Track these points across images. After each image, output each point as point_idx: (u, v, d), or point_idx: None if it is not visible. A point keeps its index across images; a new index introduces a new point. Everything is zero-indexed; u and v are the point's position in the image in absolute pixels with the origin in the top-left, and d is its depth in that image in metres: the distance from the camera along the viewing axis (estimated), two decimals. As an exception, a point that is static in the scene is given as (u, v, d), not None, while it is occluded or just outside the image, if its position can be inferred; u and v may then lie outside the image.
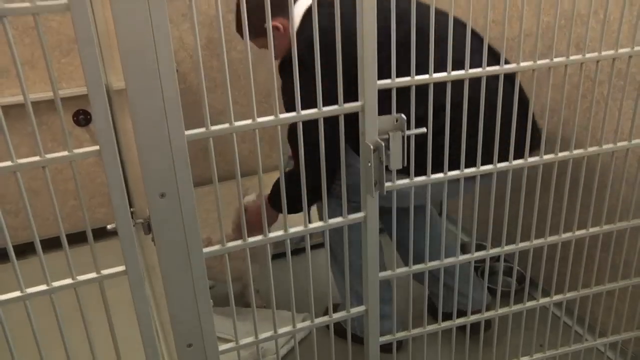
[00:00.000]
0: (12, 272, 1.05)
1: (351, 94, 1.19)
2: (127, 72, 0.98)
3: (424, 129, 1.25)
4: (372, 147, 1.19)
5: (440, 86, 1.27)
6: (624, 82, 1.49)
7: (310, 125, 1.16)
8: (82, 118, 2.57)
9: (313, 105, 1.16)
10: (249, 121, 1.12)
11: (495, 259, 2.32)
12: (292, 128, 1.73)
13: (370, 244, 1.33)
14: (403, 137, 1.22)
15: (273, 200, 1.98)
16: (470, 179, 1.41)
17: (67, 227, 1.08)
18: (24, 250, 2.27)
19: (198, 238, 1.14)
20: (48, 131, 2.55)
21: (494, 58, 1.43)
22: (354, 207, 1.32)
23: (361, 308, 1.40)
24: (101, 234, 1.08)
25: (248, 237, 1.23)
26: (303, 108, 1.14)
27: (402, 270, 1.45)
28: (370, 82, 1.17)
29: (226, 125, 1.11)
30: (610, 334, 1.88)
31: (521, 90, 1.63)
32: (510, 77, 1.38)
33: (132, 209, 1.13)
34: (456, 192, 1.43)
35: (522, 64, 1.32)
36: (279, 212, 1.95)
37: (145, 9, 0.95)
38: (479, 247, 1.61)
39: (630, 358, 2.03)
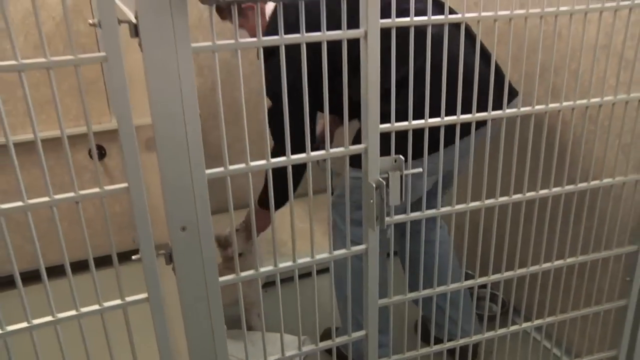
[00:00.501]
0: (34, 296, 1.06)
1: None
2: (156, 117, 1.01)
3: (420, 169, 1.28)
4: (374, 185, 1.22)
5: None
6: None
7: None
8: (97, 153, 2.59)
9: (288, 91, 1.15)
10: (263, 162, 1.15)
11: (482, 286, 2.34)
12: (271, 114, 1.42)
13: (371, 275, 1.35)
14: (401, 176, 1.25)
15: (261, 199, 1.99)
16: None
17: (81, 254, 1.10)
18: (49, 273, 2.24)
19: (214, 268, 1.16)
20: (66, 165, 2.51)
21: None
22: (356, 222, 1.35)
23: (361, 332, 1.41)
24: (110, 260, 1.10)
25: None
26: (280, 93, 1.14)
27: (398, 298, 1.47)
28: (373, 127, 1.21)
29: (242, 165, 1.14)
30: (584, 355, 1.90)
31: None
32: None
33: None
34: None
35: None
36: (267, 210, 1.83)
37: (174, 61, 0.98)
38: (467, 276, 1.63)
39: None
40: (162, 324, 1.15)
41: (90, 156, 2.60)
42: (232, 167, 1.13)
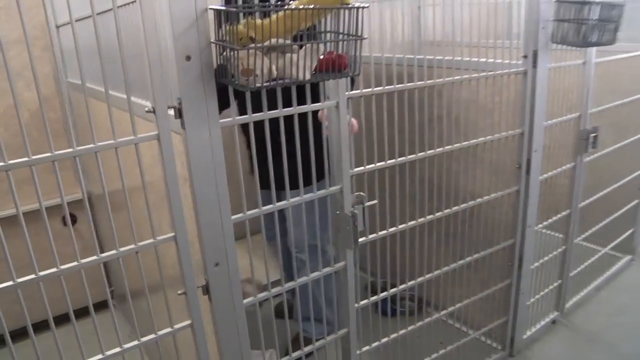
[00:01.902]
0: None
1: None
2: (195, 178, 1.06)
3: (375, 201, 1.41)
4: (350, 215, 1.33)
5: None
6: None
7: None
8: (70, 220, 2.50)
9: None
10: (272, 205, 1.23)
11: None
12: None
13: (349, 287, 1.44)
14: (363, 208, 1.37)
15: None
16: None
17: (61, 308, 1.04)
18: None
19: (240, 294, 1.20)
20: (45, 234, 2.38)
21: None
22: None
23: (345, 330, 1.49)
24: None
25: None
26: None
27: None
28: (346, 170, 1.32)
29: (256, 210, 1.20)
30: (486, 324, 2.11)
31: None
32: None
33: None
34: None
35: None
36: None
37: (207, 134, 1.05)
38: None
39: (494, 339, 2.23)
40: (203, 345, 1.17)
41: (64, 223, 2.48)
42: (249, 212, 1.19)
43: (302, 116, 1.24)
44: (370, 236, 1.50)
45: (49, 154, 0.92)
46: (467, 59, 1.93)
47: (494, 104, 1.97)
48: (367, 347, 1.62)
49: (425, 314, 2.14)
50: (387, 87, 1.43)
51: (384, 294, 1.66)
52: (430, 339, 1.92)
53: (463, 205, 1.80)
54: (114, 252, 1.03)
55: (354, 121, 1.48)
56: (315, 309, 2.04)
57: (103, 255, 1.02)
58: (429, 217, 1.71)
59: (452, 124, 1.74)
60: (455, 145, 1.70)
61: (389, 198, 1.50)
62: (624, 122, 2.54)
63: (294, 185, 1.25)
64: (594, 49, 2.12)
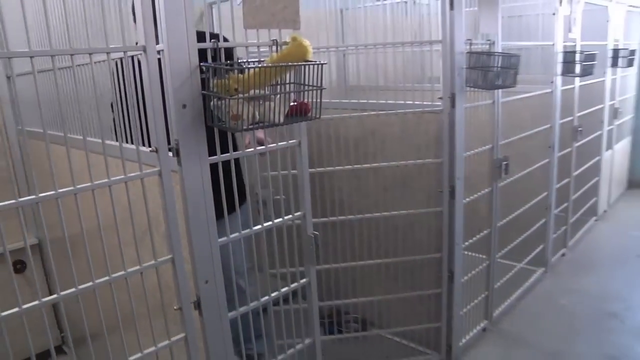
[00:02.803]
0: None
1: None
2: (190, 206, 1.26)
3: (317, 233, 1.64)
4: (313, 236, 1.57)
5: None
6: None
7: None
8: (20, 267, 2.52)
9: None
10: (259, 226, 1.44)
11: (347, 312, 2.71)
12: None
13: (314, 300, 1.67)
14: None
15: None
16: None
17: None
18: None
19: (225, 307, 1.39)
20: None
21: None
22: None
23: (310, 340, 1.70)
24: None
25: None
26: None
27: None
28: (307, 198, 1.57)
29: (237, 234, 1.42)
30: (422, 331, 2.38)
31: None
32: None
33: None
34: None
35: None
36: None
37: (199, 170, 1.26)
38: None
39: (434, 348, 2.51)
40: (195, 356, 1.35)
41: (15, 270, 2.51)
42: (232, 236, 1.40)
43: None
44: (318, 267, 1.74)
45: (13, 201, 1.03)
46: (393, 101, 2.30)
47: (420, 140, 2.31)
48: None
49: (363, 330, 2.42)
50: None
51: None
52: (375, 354, 2.16)
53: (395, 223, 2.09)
54: (72, 289, 1.14)
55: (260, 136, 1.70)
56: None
57: (45, 299, 1.11)
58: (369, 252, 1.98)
59: (385, 159, 2.05)
60: (382, 163, 2.00)
61: (331, 229, 1.76)
62: (528, 151, 2.99)
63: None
64: (500, 90, 2.54)
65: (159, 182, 1.23)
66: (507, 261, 2.95)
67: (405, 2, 2.42)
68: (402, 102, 2.32)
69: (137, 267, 1.23)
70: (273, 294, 1.57)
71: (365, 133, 2.34)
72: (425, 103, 2.29)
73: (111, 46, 1.13)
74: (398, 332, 2.55)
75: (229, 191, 1.37)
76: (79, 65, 1.43)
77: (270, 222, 1.51)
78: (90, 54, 1.11)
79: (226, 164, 1.39)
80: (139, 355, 1.26)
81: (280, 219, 1.54)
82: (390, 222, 2.36)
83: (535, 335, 2.64)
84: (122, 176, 1.17)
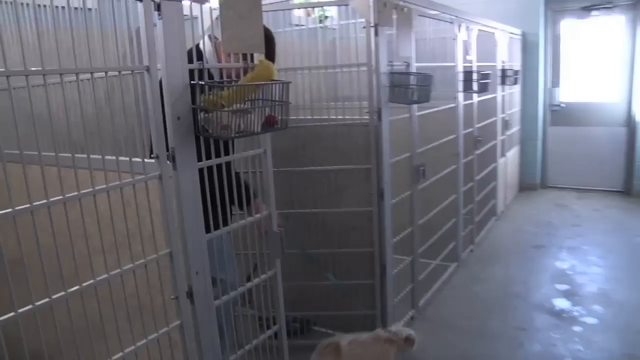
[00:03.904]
0: None
1: None
2: (185, 205, 1.48)
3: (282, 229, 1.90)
4: (278, 232, 1.83)
5: None
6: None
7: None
8: None
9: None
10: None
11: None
12: None
13: (279, 289, 1.91)
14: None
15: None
16: None
17: None
18: None
19: (212, 296, 1.60)
20: None
21: None
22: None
23: (277, 326, 1.94)
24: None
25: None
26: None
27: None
28: (273, 199, 1.83)
29: (219, 231, 1.64)
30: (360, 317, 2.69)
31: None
32: None
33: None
34: None
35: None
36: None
37: (190, 175, 1.48)
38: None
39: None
40: (191, 341, 1.54)
41: None
42: (216, 233, 1.62)
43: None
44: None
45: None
46: (326, 116, 2.62)
47: (350, 150, 2.65)
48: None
49: (306, 331, 2.73)
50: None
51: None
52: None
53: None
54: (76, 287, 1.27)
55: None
56: None
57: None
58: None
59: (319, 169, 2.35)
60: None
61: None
62: (440, 158, 3.45)
63: None
64: (416, 105, 2.95)
65: (148, 186, 1.42)
66: (426, 259, 3.36)
67: (320, 28, 2.78)
68: (334, 117, 2.65)
69: (142, 261, 1.41)
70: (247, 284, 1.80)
71: (304, 144, 2.63)
72: (355, 117, 2.64)
73: (117, 65, 1.34)
74: (337, 326, 2.84)
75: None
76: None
77: (244, 221, 1.75)
78: (105, 72, 1.31)
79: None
80: (143, 341, 1.43)
81: (252, 218, 1.78)
82: (328, 223, 2.67)
83: (455, 318, 3.05)
84: (118, 182, 1.35)
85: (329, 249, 2.68)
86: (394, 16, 2.55)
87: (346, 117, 2.66)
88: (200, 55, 1.79)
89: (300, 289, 2.61)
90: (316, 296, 2.72)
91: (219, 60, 1.91)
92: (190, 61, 1.49)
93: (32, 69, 1.14)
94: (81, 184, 1.26)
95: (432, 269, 3.39)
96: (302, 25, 3.23)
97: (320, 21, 4.20)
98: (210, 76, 1.68)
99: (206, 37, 1.93)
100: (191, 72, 1.49)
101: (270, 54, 1.93)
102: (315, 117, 2.70)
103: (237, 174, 1.83)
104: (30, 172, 1.20)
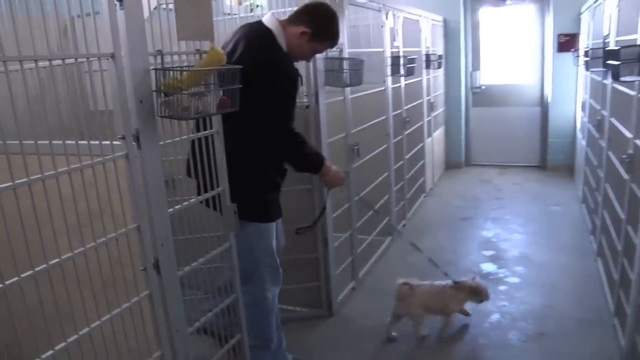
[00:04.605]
0: None
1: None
2: (149, 183, 1.62)
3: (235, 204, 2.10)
4: (231, 207, 2.00)
5: None
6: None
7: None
8: None
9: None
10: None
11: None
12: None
13: (234, 264, 2.09)
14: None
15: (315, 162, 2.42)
16: None
17: None
18: None
19: (176, 267, 1.76)
20: None
21: None
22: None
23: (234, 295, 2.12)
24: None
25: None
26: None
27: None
28: (225, 179, 2.00)
29: (179, 206, 1.79)
30: (308, 300, 2.92)
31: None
32: None
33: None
34: None
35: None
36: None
37: (156, 153, 1.63)
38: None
39: (319, 307, 3.05)
40: (159, 307, 1.69)
41: None
42: (177, 207, 1.78)
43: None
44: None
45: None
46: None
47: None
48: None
49: None
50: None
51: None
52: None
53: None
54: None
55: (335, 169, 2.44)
56: None
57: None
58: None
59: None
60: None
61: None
62: (372, 139, 3.72)
63: None
64: (349, 89, 3.19)
65: (116, 165, 1.56)
66: (364, 235, 3.64)
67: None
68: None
69: (113, 234, 1.55)
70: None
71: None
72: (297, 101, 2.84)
73: (85, 52, 1.46)
74: (283, 301, 3.04)
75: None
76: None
77: (201, 196, 1.91)
78: (75, 58, 1.43)
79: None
80: (117, 310, 1.57)
81: (208, 194, 1.94)
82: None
83: (391, 287, 3.34)
84: (90, 162, 1.48)
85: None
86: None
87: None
88: (273, 39, 2.18)
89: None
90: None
91: (288, 40, 2.21)
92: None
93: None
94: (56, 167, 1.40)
95: (369, 243, 3.67)
96: (235, 14, 3.37)
97: (252, 10, 4.35)
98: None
99: (270, 18, 2.24)
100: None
101: (333, 32, 2.27)
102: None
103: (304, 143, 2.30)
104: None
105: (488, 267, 3.64)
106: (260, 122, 2.15)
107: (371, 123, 3.63)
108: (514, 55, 6.38)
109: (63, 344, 1.40)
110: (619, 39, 3.01)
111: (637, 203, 2.42)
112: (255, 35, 2.21)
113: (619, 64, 2.51)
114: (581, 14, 5.32)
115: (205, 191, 1.91)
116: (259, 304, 2.32)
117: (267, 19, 2.24)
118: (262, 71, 2.08)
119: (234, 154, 2.02)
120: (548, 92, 6.12)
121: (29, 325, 1.32)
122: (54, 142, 1.41)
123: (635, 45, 2.41)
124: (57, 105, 1.50)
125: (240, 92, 1.77)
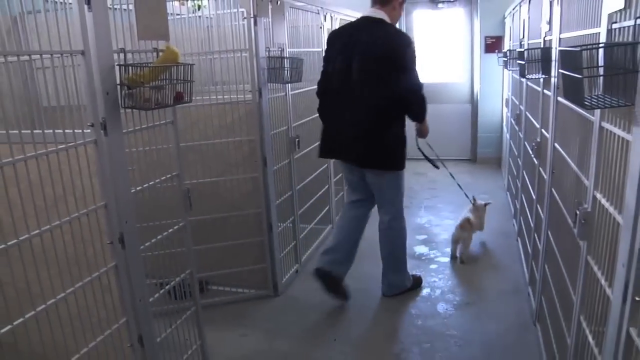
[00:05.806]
0: None
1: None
2: (113, 167, 1.89)
3: (189, 188, 2.38)
4: (186, 190, 2.27)
5: None
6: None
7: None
8: None
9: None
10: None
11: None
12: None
13: (189, 242, 2.36)
14: (188, 189, 2.33)
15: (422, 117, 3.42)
16: None
17: None
18: None
19: (139, 242, 2.02)
20: None
21: None
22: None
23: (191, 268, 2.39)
24: None
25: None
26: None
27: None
28: (180, 162, 2.27)
29: (140, 188, 2.06)
30: (254, 282, 3.21)
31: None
32: None
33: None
34: None
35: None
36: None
37: (121, 139, 1.90)
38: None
39: (265, 289, 3.36)
40: (125, 276, 1.95)
41: None
42: (139, 188, 2.04)
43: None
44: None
45: None
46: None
47: (235, 125, 3.14)
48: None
49: (206, 291, 3.19)
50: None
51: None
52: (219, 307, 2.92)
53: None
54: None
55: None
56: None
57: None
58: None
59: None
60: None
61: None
62: (312, 132, 4.05)
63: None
64: (289, 85, 3.51)
65: (87, 150, 1.82)
66: (305, 224, 3.97)
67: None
68: (222, 97, 3.12)
69: (84, 211, 1.80)
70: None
71: (197, 121, 3.07)
72: (239, 97, 3.13)
73: (56, 49, 1.71)
74: (232, 283, 3.34)
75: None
76: None
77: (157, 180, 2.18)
78: (51, 54, 1.68)
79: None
80: (88, 279, 1.82)
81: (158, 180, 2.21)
82: (221, 190, 3.14)
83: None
84: (62, 146, 1.73)
85: (225, 212, 3.16)
86: (270, 7, 3.07)
87: (232, 96, 3.14)
88: (392, 24, 3.11)
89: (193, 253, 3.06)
90: (209, 258, 3.17)
91: (390, 17, 3.08)
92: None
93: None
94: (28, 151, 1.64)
95: (310, 230, 4.00)
96: (182, 15, 3.59)
97: (194, 11, 4.59)
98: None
99: (373, 11, 3.08)
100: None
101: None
102: (204, 97, 3.15)
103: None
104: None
105: (421, 249, 4.06)
106: (404, 83, 3.04)
107: (311, 118, 3.96)
108: (445, 55, 6.91)
109: (32, 313, 1.63)
110: (530, 42, 3.49)
111: (543, 184, 2.86)
112: (384, 27, 3.02)
113: (524, 64, 2.97)
114: (505, 18, 5.87)
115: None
116: (403, 222, 3.39)
117: (372, 12, 3.06)
118: (406, 48, 2.98)
119: (385, 129, 3.09)
120: (477, 90, 6.67)
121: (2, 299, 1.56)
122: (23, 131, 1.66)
123: (537, 48, 2.86)
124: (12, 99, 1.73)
125: (385, 73, 3.00)
